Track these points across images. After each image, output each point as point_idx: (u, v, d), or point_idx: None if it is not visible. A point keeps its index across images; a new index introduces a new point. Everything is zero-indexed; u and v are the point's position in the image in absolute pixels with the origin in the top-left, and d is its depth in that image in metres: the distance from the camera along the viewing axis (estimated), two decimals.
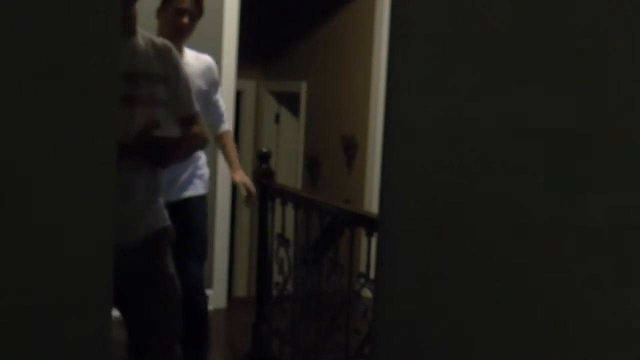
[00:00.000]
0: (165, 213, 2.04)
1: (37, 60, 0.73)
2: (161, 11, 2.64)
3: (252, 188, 2.94)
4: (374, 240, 2.63)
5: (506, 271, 1.64)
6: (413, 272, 1.99)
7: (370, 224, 2.54)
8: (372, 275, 2.61)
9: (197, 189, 2.75)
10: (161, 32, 2.54)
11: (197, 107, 2.17)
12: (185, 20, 2.57)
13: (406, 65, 2.02)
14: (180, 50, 2.56)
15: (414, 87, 2.00)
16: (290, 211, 2.98)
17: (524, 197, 1.56)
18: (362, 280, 2.80)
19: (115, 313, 1.18)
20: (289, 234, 3.03)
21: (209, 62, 2.82)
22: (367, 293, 2.86)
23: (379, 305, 2.01)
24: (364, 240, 2.89)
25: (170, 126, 2.00)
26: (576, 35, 1.43)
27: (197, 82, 2.62)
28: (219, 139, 2.95)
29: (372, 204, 4.06)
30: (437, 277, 1.88)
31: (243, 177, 2.97)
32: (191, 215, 2.70)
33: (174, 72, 2.06)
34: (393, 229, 1.95)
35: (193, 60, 2.73)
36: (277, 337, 3.10)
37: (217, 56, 3.39)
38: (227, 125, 3.01)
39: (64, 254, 0.78)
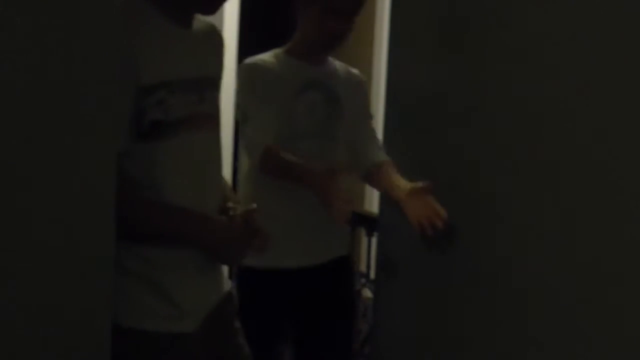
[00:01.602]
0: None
1: (35, 57, 0.73)
2: (302, 7, 1.88)
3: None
4: (374, 240, 2.62)
5: (505, 270, 1.63)
6: (413, 272, 1.98)
7: (370, 224, 2.53)
8: (372, 275, 2.60)
9: (339, 247, 2.00)
10: (302, 39, 1.92)
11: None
12: (342, 24, 1.84)
13: (406, 65, 2.01)
14: (324, 60, 1.98)
15: (414, 87, 1.99)
16: None
17: (522, 196, 1.55)
18: (362, 280, 2.79)
19: None
20: None
21: (359, 78, 2.15)
22: (367, 293, 2.85)
23: (379, 305, 2.01)
24: (364, 240, 2.88)
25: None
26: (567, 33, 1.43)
27: (348, 104, 1.99)
28: (377, 170, 1.95)
29: (372, 204, 4.05)
30: (436, 276, 1.87)
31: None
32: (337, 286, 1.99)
33: (221, 73, 1.50)
34: (393, 229, 1.94)
35: (344, 74, 2.05)
36: None
37: None
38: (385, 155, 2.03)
39: (64, 254, 0.78)
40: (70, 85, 0.76)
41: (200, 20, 1.41)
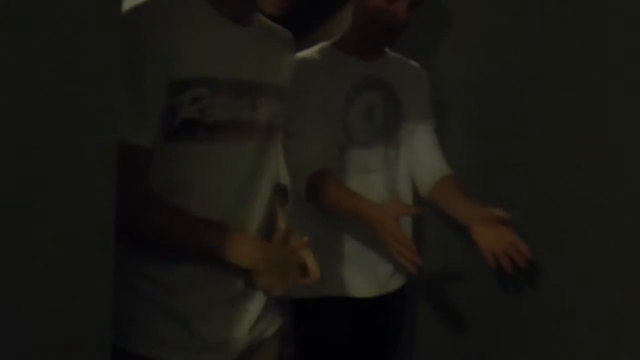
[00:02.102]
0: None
1: (34, 54, 0.72)
2: None
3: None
4: None
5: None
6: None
7: None
8: None
9: (400, 277, 1.74)
10: (355, 30, 1.67)
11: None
12: (403, 12, 1.55)
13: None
14: (379, 54, 1.71)
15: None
16: None
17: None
18: None
19: None
20: None
21: (421, 73, 1.79)
22: None
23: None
24: None
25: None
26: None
27: (409, 104, 1.71)
28: (439, 186, 1.69)
29: None
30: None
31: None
32: (390, 320, 1.77)
33: (287, 83, 1.32)
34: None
35: (403, 68, 1.76)
36: None
37: None
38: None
39: (63, 254, 0.77)
40: (58, 73, 0.75)
41: (269, 23, 1.26)
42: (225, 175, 1.16)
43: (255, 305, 1.25)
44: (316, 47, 1.69)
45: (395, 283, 1.72)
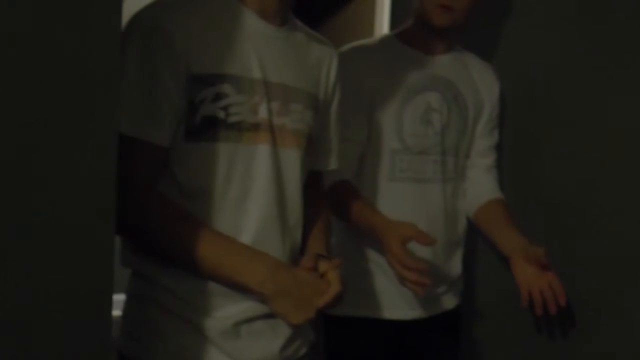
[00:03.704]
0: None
1: (36, 54, 0.72)
2: None
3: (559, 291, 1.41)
4: None
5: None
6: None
7: None
8: None
9: (451, 298, 1.61)
10: (413, 18, 1.52)
11: (336, 163, 1.31)
12: (447, 8, 1.40)
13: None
14: (447, 48, 1.53)
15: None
16: None
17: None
18: None
19: (116, 312, 1.06)
20: None
21: (494, 79, 1.60)
22: None
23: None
24: None
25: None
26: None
27: (475, 110, 1.55)
28: (487, 209, 1.58)
29: None
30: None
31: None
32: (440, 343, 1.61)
33: (329, 92, 1.25)
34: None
35: (475, 68, 1.58)
36: None
37: None
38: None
39: (63, 253, 0.77)
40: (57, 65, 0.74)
41: (307, 29, 1.22)
42: (247, 182, 1.08)
43: (286, 325, 1.13)
44: (376, 37, 1.55)
45: (442, 304, 1.57)
